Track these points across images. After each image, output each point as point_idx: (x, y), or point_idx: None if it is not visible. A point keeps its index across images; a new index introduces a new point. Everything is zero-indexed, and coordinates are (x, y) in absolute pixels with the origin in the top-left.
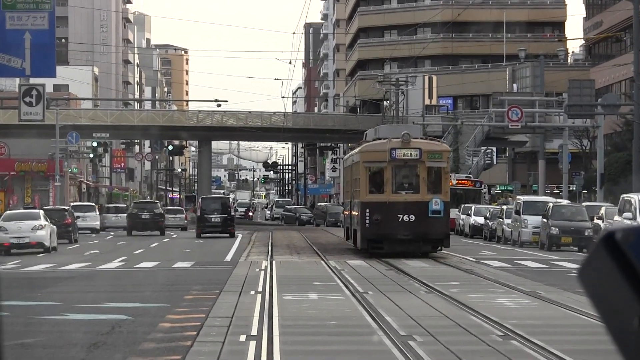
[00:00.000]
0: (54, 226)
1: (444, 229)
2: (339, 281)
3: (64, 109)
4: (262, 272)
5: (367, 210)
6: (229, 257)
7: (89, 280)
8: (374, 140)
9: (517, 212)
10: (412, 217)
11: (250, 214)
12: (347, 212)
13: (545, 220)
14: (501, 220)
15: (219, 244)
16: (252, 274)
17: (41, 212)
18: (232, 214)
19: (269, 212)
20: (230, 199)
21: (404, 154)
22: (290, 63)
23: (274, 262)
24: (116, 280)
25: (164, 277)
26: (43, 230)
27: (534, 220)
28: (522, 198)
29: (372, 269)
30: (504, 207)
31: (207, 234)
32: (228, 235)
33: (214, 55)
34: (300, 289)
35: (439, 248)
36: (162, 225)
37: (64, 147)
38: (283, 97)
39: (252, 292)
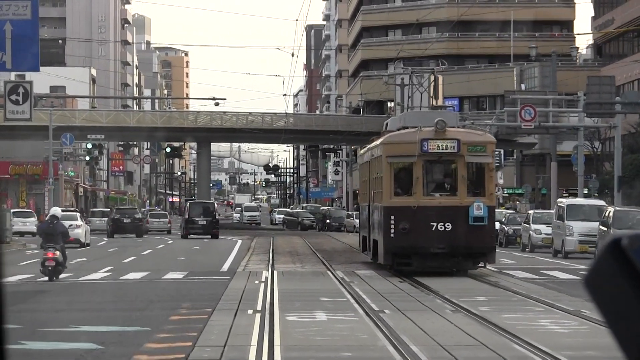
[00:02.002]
0: (88, 226)
1: (488, 240)
2: (349, 296)
3: (58, 110)
4: (262, 285)
5: (392, 217)
6: (225, 267)
7: (65, 294)
8: (398, 130)
9: (560, 218)
10: (449, 226)
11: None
12: (364, 219)
13: (604, 228)
14: (527, 225)
15: (216, 252)
16: (250, 287)
17: (78, 213)
18: (217, 217)
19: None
20: (215, 205)
21: (438, 146)
22: (292, 55)
23: (275, 273)
24: (96, 295)
25: (151, 292)
26: (79, 228)
27: (580, 227)
28: (565, 201)
29: (384, 281)
30: (531, 212)
31: (193, 236)
32: (210, 237)
33: (214, 45)
34: (305, 307)
35: (482, 264)
36: (142, 229)
37: (59, 149)
38: (285, 94)
39: (250, 312)
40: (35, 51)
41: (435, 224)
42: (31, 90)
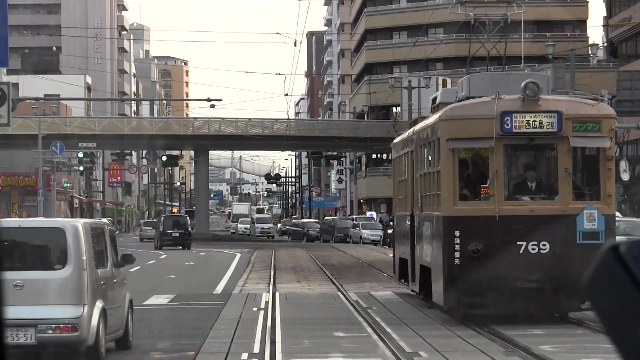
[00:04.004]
0: None
1: None
2: (369, 330)
3: (49, 117)
4: (261, 313)
5: (457, 234)
6: (220, 288)
7: None
8: (459, 101)
9: None
10: (545, 246)
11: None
12: (402, 234)
13: None
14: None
15: (212, 268)
16: (247, 317)
17: None
18: (189, 230)
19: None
20: (188, 218)
21: (528, 122)
22: (295, 44)
23: (277, 295)
24: None
25: None
26: None
27: None
28: None
29: (408, 306)
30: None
31: (166, 247)
32: (182, 247)
33: (214, 40)
34: (316, 347)
35: None
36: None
37: (50, 158)
38: (286, 94)
39: (244, 356)
40: (4, 44)
41: (524, 244)
42: (9, 92)
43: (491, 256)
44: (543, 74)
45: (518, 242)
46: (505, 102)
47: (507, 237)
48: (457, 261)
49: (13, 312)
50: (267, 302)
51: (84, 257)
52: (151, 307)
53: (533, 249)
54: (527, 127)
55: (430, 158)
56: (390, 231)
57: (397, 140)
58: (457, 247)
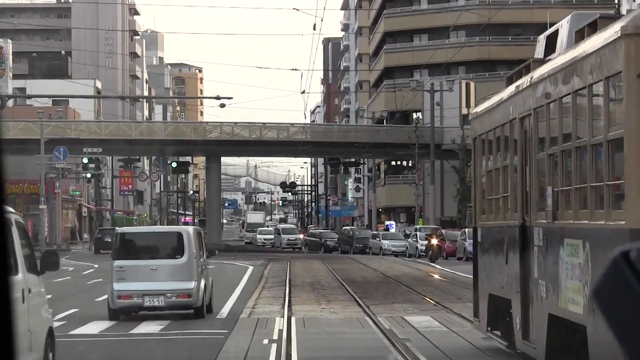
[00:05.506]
0: None
1: None
2: None
3: (52, 121)
4: (274, 347)
5: None
6: (226, 309)
7: None
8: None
9: None
10: None
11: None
12: (495, 257)
13: None
14: None
15: (220, 283)
16: (255, 353)
17: None
18: None
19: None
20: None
21: None
22: (314, 28)
23: (293, 320)
24: None
25: None
26: None
27: None
28: None
29: (453, 336)
30: None
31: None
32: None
33: (227, 33)
34: None
35: None
36: None
37: (54, 164)
38: (303, 91)
39: None
40: None
41: None
42: None
43: None
44: None
45: None
46: None
47: None
48: None
49: (150, 285)
50: (280, 331)
51: (194, 250)
52: (138, 337)
53: None
54: None
55: (583, 117)
56: (431, 242)
57: (482, 106)
58: None
